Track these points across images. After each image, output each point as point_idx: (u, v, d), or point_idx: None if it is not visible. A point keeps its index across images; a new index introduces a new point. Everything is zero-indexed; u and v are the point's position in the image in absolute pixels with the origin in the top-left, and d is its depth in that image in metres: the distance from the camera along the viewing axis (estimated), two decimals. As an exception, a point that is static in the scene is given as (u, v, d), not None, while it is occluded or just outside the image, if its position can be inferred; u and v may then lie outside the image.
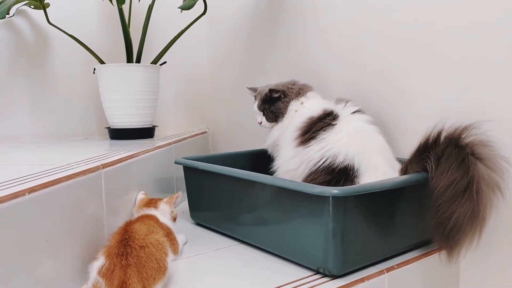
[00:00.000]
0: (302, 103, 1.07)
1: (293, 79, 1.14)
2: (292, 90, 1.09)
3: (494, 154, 0.82)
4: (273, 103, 1.09)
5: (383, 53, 1.12)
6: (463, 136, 0.83)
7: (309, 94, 1.09)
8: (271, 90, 1.09)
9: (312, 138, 0.94)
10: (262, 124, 1.12)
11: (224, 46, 1.74)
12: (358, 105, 1.00)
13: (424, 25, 1.01)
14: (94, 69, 1.44)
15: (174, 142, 1.33)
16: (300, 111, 1.05)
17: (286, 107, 1.08)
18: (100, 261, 0.70)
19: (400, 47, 1.07)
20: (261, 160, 1.17)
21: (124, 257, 0.69)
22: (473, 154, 0.79)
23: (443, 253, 0.82)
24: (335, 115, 0.96)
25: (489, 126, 0.84)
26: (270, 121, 1.10)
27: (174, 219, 0.98)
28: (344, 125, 0.94)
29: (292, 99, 1.08)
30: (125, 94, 1.41)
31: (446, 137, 0.84)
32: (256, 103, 1.12)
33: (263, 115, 1.11)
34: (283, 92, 1.08)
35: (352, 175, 0.87)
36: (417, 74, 1.04)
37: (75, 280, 0.76)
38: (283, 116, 1.08)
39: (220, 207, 1.03)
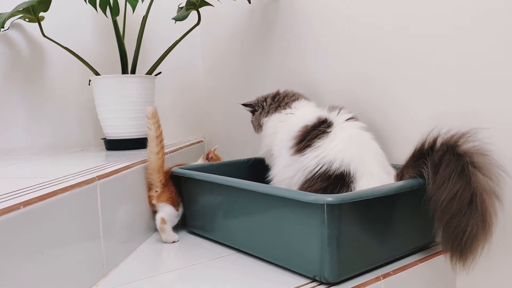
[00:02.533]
0: (291, 113, 1.09)
1: (278, 90, 1.16)
2: (264, 104, 1.14)
3: (492, 163, 0.82)
4: (252, 115, 1.18)
5: (376, 60, 1.12)
6: (459, 143, 0.82)
7: (295, 104, 1.10)
8: (243, 104, 1.18)
9: (307, 146, 0.94)
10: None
11: (220, 55, 1.74)
12: (352, 112, 1.00)
13: (416, 32, 1.02)
14: (90, 80, 1.44)
15: (170, 152, 1.32)
16: (291, 121, 1.06)
17: (257, 119, 1.15)
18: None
19: (392, 55, 1.08)
20: (258, 169, 1.18)
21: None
22: (471, 163, 0.79)
23: (457, 262, 0.79)
24: (329, 123, 0.96)
25: (486, 133, 0.84)
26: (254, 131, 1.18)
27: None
28: (339, 132, 0.94)
29: (269, 113, 1.12)
30: (120, 105, 1.41)
31: (442, 143, 0.84)
32: None
33: None
34: (254, 106, 1.16)
35: (348, 181, 0.88)
36: (410, 81, 1.05)
37: (71, 293, 0.75)
38: (255, 128, 1.17)
39: (216, 216, 1.03)
